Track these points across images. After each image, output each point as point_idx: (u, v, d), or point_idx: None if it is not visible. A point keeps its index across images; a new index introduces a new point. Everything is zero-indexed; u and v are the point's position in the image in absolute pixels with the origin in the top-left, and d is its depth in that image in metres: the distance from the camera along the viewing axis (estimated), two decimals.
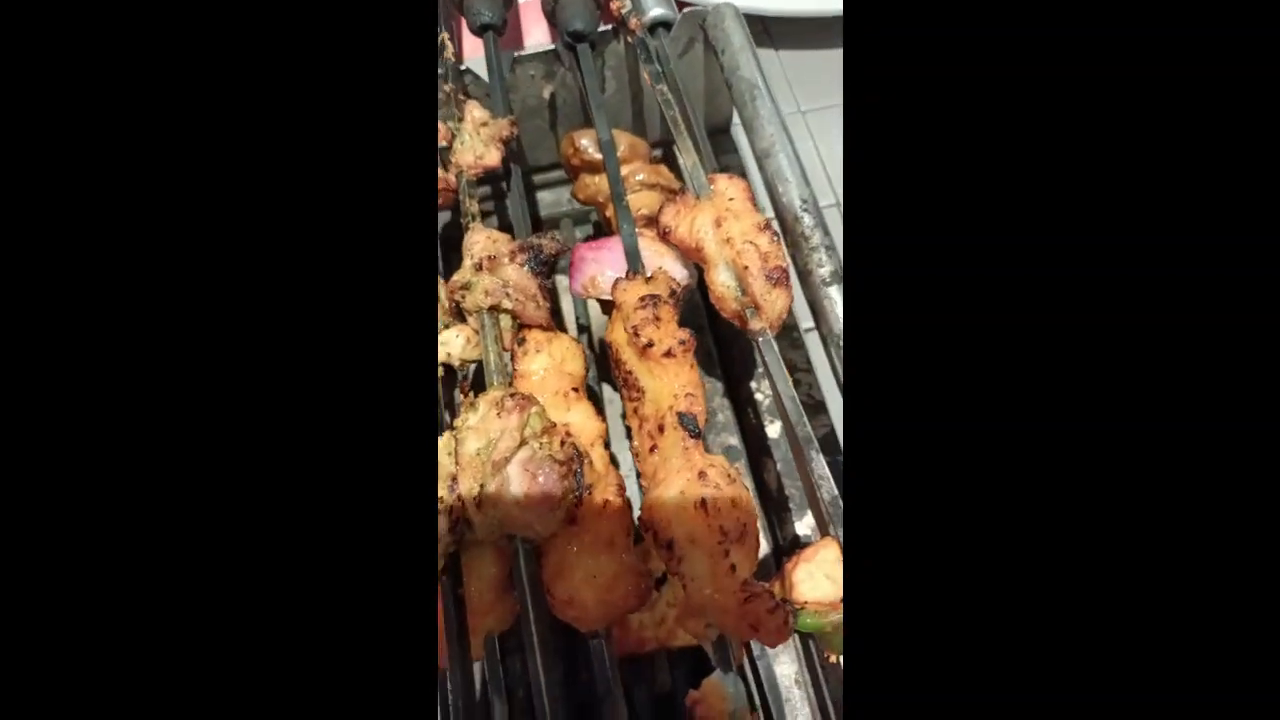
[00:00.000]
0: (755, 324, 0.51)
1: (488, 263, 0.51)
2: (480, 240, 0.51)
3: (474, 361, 0.54)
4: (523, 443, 0.45)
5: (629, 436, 0.53)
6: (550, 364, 0.53)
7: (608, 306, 0.62)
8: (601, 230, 0.82)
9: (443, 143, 0.62)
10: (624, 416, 0.56)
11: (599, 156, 0.61)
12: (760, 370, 0.72)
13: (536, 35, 0.96)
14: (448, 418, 0.58)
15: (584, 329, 0.75)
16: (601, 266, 0.56)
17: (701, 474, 0.45)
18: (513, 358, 0.52)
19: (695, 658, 0.64)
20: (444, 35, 0.66)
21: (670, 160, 0.84)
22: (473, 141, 0.57)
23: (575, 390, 0.53)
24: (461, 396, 0.55)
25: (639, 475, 0.50)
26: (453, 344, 0.52)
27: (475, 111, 0.58)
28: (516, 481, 0.44)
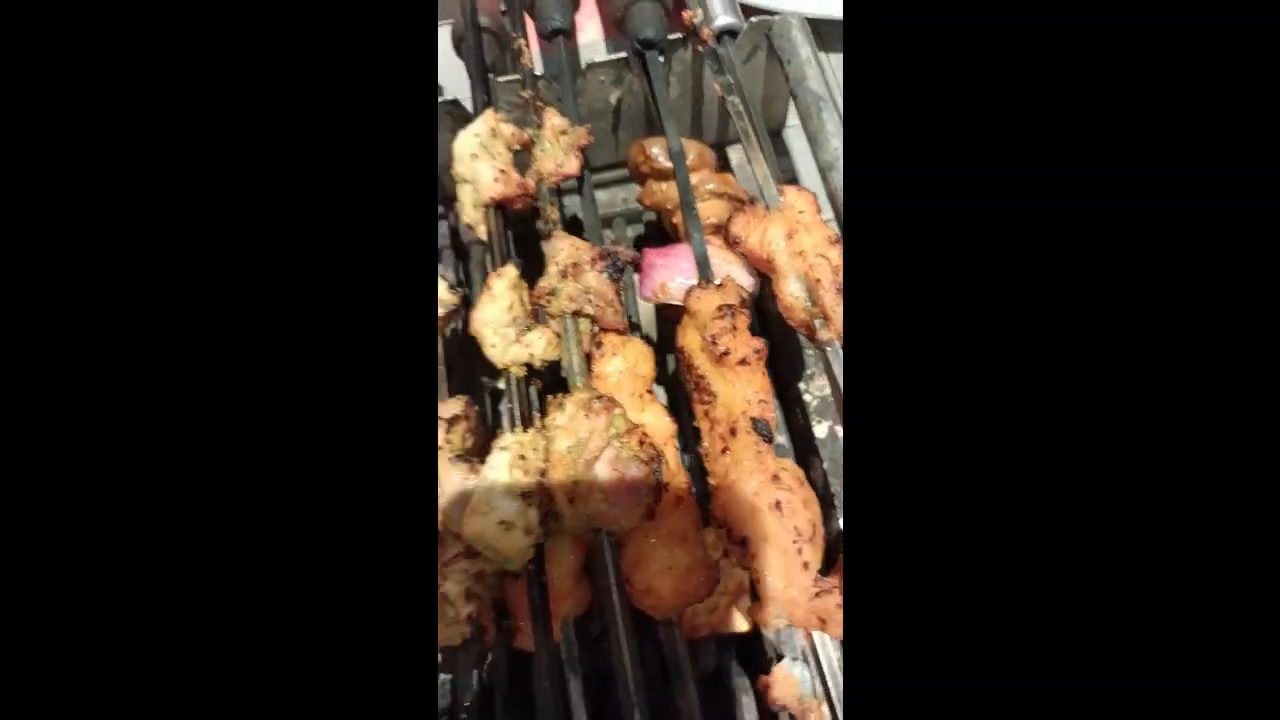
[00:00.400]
0: (824, 334, 0.53)
1: (571, 269, 0.54)
2: (564, 248, 0.54)
3: (551, 361, 0.57)
4: (608, 442, 0.48)
5: (695, 436, 0.57)
6: (625, 367, 0.56)
7: (665, 308, 0.65)
8: (654, 231, 0.85)
9: (516, 146, 0.64)
10: (668, 408, 0.58)
11: (668, 165, 0.63)
12: (809, 372, 0.75)
13: (590, 32, 0.97)
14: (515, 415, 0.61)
15: (635, 326, 0.78)
16: (671, 272, 0.59)
17: (775, 477, 0.48)
18: (589, 360, 0.55)
19: (741, 642, 0.67)
20: (520, 41, 0.68)
21: (723, 162, 0.86)
22: (553, 149, 0.59)
23: (648, 392, 0.56)
24: (535, 394, 0.58)
25: (703, 473, 0.53)
26: (535, 345, 0.55)
27: (554, 119, 0.61)
28: (606, 478, 0.47)
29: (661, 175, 0.65)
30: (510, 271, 0.56)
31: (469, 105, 0.70)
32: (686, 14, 0.66)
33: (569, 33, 0.70)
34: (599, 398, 0.49)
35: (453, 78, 0.92)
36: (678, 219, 0.64)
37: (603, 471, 0.47)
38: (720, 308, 0.52)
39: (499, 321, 0.55)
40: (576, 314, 0.54)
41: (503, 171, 0.59)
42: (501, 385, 0.58)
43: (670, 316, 0.68)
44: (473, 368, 0.76)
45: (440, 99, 0.71)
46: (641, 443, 0.50)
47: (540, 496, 0.49)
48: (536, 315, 0.57)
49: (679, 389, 0.72)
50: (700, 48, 0.66)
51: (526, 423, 0.54)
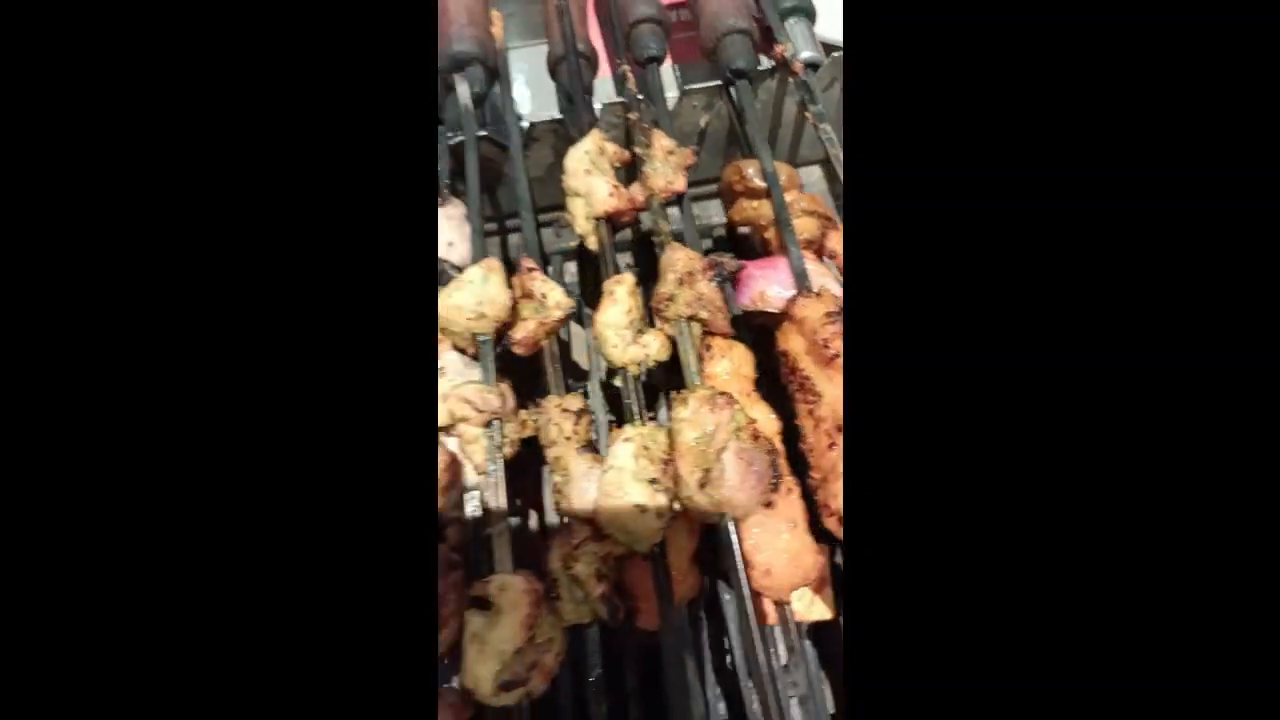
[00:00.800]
0: None
1: (686, 278, 0.59)
2: (681, 258, 0.59)
3: (660, 362, 0.61)
4: (732, 435, 0.53)
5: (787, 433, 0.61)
6: (732, 367, 0.60)
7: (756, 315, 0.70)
8: (723, 244, 0.90)
9: (617, 164, 0.69)
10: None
11: (761, 184, 0.68)
12: None
13: None
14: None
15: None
16: (769, 282, 0.64)
17: None
18: (700, 360, 0.60)
19: (814, 626, 0.72)
20: (624, 67, 0.73)
21: None
22: (664, 168, 0.64)
23: (754, 391, 0.60)
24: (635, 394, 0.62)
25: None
26: (651, 346, 0.59)
27: (662, 140, 0.66)
28: (733, 468, 0.52)
29: (753, 194, 0.70)
30: (628, 278, 0.60)
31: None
32: (778, 48, 0.72)
33: (661, 60, 0.76)
34: (721, 394, 0.54)
35: (543, 98, 0.98)
36: (769, 234, 0.69)
37: (730, 461, 0.52)
38: (829, 314, 0.57)
39: (619, 324, 0.59)
40: (691, 318, 0.59)
41: (616, 187, 0.64)
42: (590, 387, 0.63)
43: (757, 324, 0.73)
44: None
45: (549, 118, 0.76)
46: (756, 437, 0.54)
47: (667, 483, 0.53)
48: (650, 320, 0.62)
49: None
50: (792, 79, 0.71)
51: (638, 417, 0.58)
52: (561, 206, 0.83)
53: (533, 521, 0.80)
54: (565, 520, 0.56)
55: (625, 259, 0.90)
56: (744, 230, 0.87)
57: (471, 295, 0.59)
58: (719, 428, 0.52)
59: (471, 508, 0.57)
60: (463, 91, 0.71)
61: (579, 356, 0.88)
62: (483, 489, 0.58)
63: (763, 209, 0.69)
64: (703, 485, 0.51)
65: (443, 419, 0.56)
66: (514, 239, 0.87)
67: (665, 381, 0.69)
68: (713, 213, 0.87)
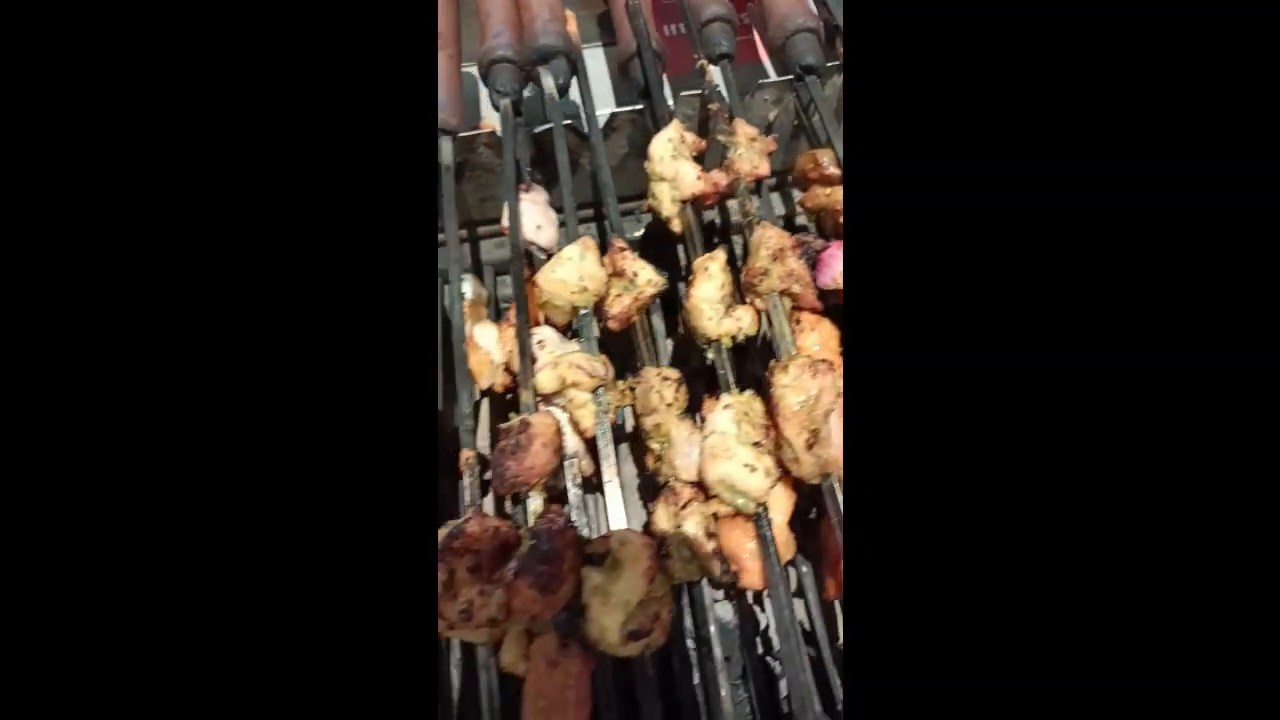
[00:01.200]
0: None
1: (778, 254, 0.61)
2: (772, 235, 0.62)
3: (750, 336, 0.64)
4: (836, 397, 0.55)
5: None
6: (821, 339, 0.63)
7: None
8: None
9: (694, 152, 0.72)
10: None
11: (835, 171, 0.72)
12: None
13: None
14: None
15: None
16: None
17: None
18: (791, 333, 0.62)
19: None
20: (702, 61, 0.76)
21: None
22: (748, 154, 0.67)
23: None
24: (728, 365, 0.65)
25: None
26: (743, 319, 0.62)
27: (745, 128, 0.69)
28: (839, 430, 0.54)
29: (827, 181, 0.73)
30: (720, 255, 0.63)
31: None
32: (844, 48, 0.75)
33: (732, 57, 0.79)
34: (821, 360, 0.56)
35: (605, 92, 1.01)
36: (843, 219, 0.72)
37: (836, 423, 0.54)
38: None
39: (712, 298, 0.62)
40: (783, 293, 0.62)
41: (701, 172, 0.67)
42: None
43: (833, 304, 0.75)
44: (627, 351, 0.82)
45: (628, 109, 0.79)
46: None
47: (769, 445, 0.56)
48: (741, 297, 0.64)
49: None
50: None
51: (737, 385, 0.60)
52: (632, 197, 0.86)
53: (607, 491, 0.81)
54: (667, 483, 0.58)
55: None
56: (802, 220, 0.91)
57: (573, 270, 0.61)
58: (823, 391, 0.55)
59: (573, 472, 0.58)
60: (548, 83, 0.74)
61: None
62: (580, 456, 0.60)
63: (835, 195, 0.72)
64: (810, 446, 0.54)
65: (553, 385, 0.58)
66: (581, 229, 0.90)
67: (733, 361, 0.72)
68: (773, 203, 0.90)
